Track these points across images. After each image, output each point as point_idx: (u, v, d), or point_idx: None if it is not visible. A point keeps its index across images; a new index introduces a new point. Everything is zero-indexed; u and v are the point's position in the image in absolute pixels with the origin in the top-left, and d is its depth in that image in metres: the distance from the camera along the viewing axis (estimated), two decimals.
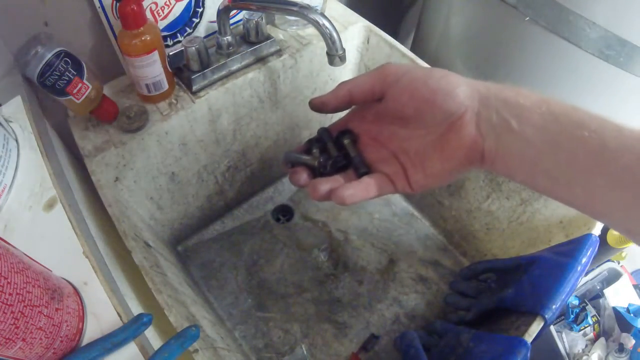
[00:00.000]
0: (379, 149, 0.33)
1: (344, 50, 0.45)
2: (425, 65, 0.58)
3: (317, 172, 0.34)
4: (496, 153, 0.28)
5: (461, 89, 0.29)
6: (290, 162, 0.36)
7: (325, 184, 0.31)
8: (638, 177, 0.23)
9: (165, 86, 0.51)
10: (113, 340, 0.30)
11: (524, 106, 0.27)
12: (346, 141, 0.34)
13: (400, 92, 0.31)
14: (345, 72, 0.70)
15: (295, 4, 0.44)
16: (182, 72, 0.54)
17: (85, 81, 0.45)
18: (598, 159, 0.24)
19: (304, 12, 0.44)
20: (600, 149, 0.24)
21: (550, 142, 0.26)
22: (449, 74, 0.30)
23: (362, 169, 0.33)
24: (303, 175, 0.34)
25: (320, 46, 0.61)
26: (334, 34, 0.44)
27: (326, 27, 0.43)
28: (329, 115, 0.76)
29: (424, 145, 0.30)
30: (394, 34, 0.73)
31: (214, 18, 0.54)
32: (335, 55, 0.45)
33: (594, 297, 0.98)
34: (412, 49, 0.78)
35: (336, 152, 0.34)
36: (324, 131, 0.37)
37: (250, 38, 0.56)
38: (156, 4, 0.49)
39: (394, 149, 0.32)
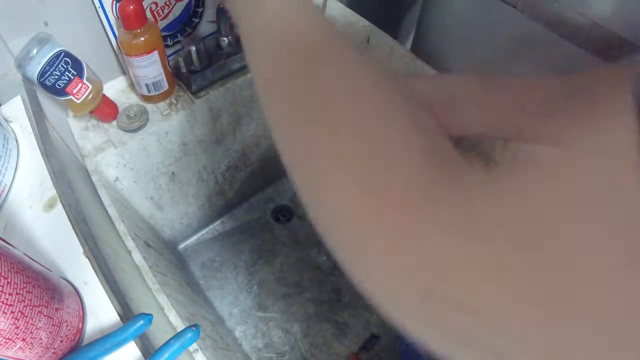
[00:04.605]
0: None
1: None
2: (432, 71, 0.58)
3: None
4: (450, 126, 0.39)
5: (416, 91, 0.39)
6: None
7: None
8: None
9: (165, 86, 0.51)
10: (113, 340, 0.30)
11: (459, 98, 0.39)
12: None
13: None
14: None
15: None
16: (182, 72, 0.54)
17: (85, 81, 0.45)
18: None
19: None
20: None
21: (479, 104, 0.38)
22: (412, 79, 0.39)
23: None
24: None
25: None
26: None
27: None
28: None
29: None
30: (394, 34, 0.73)
31: (214, 18, 0.54)
32: None
33: None
34: (412, 49, 0.78)
35: None
36: None
37: None
38: (156, 4, 0.49)
39: None
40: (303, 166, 0.23)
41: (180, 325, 0.36)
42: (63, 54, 0.44)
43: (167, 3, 0.50)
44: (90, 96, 0.46)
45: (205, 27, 0.57)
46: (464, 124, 0.39)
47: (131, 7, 0.43)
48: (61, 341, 0.28)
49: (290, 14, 0.26)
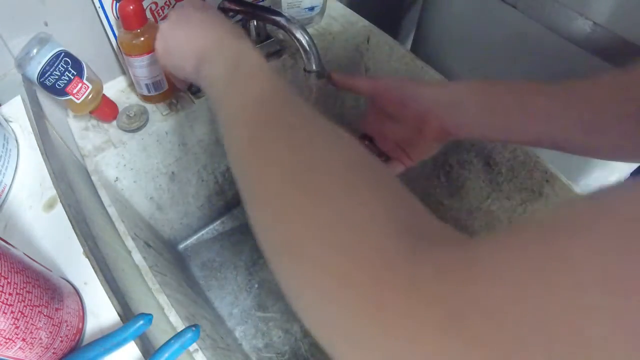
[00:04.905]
0: (386, 142, 0.46)
1: (322, 67, 0.45)
2: (432, 71, 0.58)
3: None
4: (456, 129, 0.40)
5: (423, 96, 0.40)
6: None
7: None
8: None
9: (165, 86, 0.51)
10: (113, 340, 0.30)
11: (463, 102, 0.39)
12: (367, 142, 0.48)
13: (384, 96, 0.43)
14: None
15: (282, 15, 0.44)
16: None
17: (85, 81, 0.45)
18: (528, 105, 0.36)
19: (285, 23, 0.44)
20: (526, 105, 0.36)
21: (483, 107, 0.38)
22: (419, 85, 0.41)
23: (384, 157, 0.48)
24: None
25: (321, 46, 0.61)
26: (312, 49, 0.44)
27: (305, 42, 0.44)
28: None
29: (408, 134, 0.43)
30: (394, 34, 0.73)
31: None
32: (311, 72, 0.45)
33: None
34: (412, 49, 0.78)
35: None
36: None
37: (250, 38, 0.56)
38: (156, 3, 0.49)
39: (394, 140, 0.45)
40: (276, 233, 0.22)
41: (180, 325, 0.36)
42: (63, 54, 0.44)
43: (167, 3, 0.50)
44: (90, 96, 0.46)
45: None
46: (468, 126, 0.39)
47: (131, 7, 0.43)
48: (61, 341, 0.28)
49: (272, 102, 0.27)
